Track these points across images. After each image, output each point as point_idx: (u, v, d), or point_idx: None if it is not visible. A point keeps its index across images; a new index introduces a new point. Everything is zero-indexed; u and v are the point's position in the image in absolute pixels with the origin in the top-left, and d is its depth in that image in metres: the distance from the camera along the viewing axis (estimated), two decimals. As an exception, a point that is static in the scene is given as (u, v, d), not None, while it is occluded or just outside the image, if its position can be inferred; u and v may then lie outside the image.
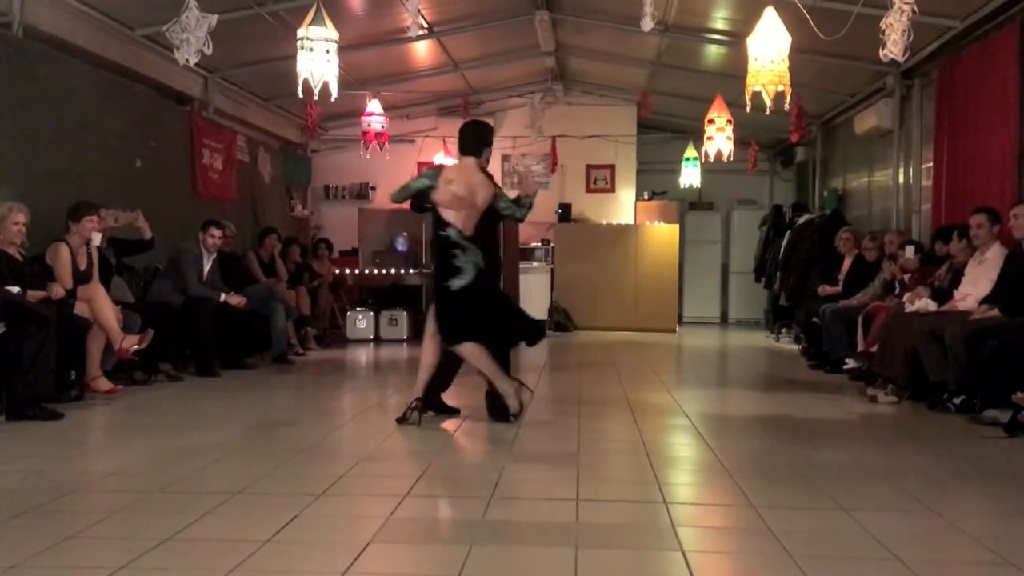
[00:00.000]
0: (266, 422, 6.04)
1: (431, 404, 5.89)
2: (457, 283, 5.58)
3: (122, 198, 8.06)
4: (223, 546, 3.21)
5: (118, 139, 8.57)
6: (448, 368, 5.96)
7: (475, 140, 5.82)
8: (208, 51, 7.05)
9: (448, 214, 5.60)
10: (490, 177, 5.91)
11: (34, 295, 6.12)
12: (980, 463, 4.95)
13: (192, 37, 6.95)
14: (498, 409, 5.81)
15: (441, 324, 5.71)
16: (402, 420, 5.68)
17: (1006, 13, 7.66)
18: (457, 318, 5.66)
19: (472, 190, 5.62)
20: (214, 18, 6.99)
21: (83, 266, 6.81)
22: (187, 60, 7.09)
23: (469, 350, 5.67)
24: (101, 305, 6.64)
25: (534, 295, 13.46)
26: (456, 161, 5.95)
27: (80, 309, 6.61)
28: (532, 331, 6.07)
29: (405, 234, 12.83)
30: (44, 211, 6.86)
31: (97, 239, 7.02)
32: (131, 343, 6.71)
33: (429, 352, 5.81)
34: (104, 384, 6.63)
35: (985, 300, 6.39)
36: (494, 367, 5.70)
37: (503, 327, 5.83)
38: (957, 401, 6.19)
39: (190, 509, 3.62)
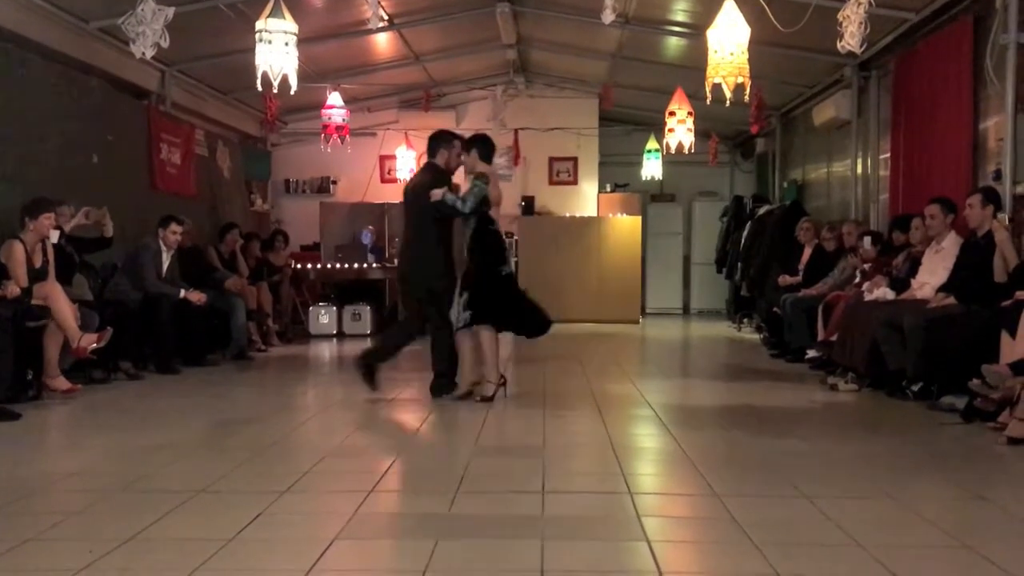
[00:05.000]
0: (228, 419, 5.98)
1: (451, 386, 6.47)
2: (507, 269, 6.40)
3: (78, 194, 7.91)
4: (186, 545, 3.17)
5: (74, 134, 8.42)
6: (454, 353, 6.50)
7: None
8: (165, 44, 6.95)
9: (494, 212, 6.35)
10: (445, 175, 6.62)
11: (-12, 294, 6.01)
12: (938, 449, 5.03)
13: (148, 30, 6.85)
14: (441, 388, 6.44)
15: (482, 306, 6.22)
16: (490, 399, 6.27)
17: (960, 5, 7.77)
18: (500, 301, 6.31)
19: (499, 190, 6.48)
20: (171, 11, 6.89)
21: (39, 264, 6.68)
22: (143, 53, 6.98)
23: (488, 334, 6.27)
24: (58, 303, 6.53)
25: (498, 288, 13.45)
26: (485, 166, 6.50)
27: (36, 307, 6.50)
28: (543, 323, 6.65)
29: (371, 227, 12.75)
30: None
31: (54, 236, 6.91)
32: (89, 341, 6.60)
33: (467, 337, 6.32)
34: (62, 383, 6.53)
35: (942, 288, 6.49)
36: (495, 355, 6.35)
37: (526, 314, 6.51)
38: (915, 388, 6.29)
39: (152, 508, 3.57)
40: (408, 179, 6.96)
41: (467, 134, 6.95)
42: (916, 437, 5.31)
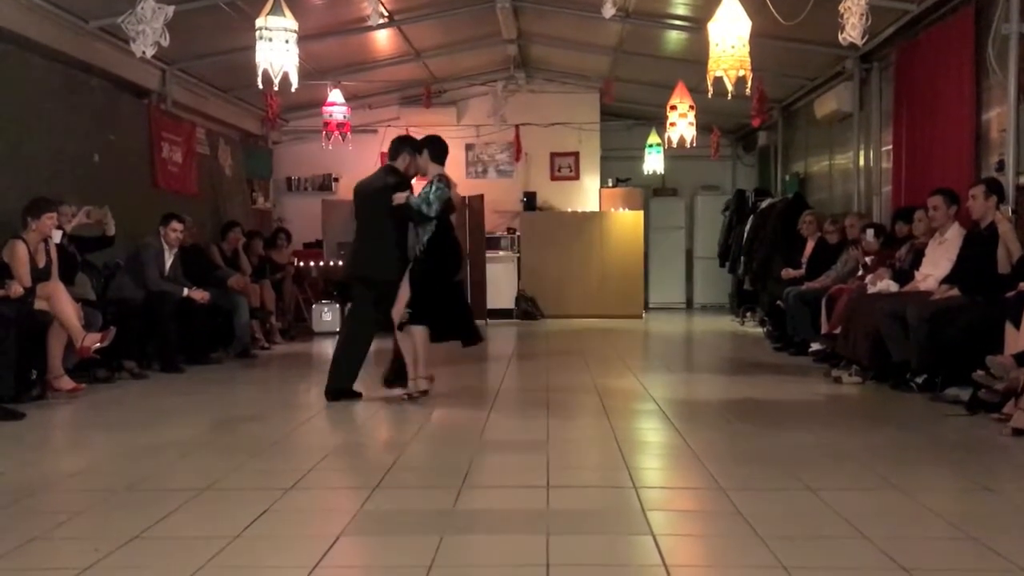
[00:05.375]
0: (232, 417, 5.98)
1: (400, 382, 6.42)
2: (459, 276, 6.44)
3: (80, 193, 7.92)
4: (191, 543, 3.18)
5: (75, 134, 8.42)
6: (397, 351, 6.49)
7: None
8: (165, 43, 6.94)
9: (454, 217, 6.32)
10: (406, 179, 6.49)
11: (-9, 293, 6.02)
12: (942, 440, 5.03)
13: (148, 29, 6.84)
14: (395, 380, 6.44)
15: (426, 310, 6.14)
16: (416, 397, 6.23)
17: (961, -4, 7.76)
18: (449, 307, 6.27)
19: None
20: (170, 9, 6.88)
21: (42, 264, 6.68)
22: (143, 52, 6.98)
23: (421, 331, 6.18)
24: (61, 303, 6.53)
25: (501, 284, 13.48)
26: (440, 169, 6.36)
27: (40, 307, 6.49)
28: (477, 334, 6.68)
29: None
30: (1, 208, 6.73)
31: (57, 236, 6.91)
32: (93, 341, 6.60)
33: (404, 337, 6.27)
34: (66, 383, 6.53)
35: (945, 280, 6.48)
36: (427, 354, 6.29)
37: (470, 322, 6.51)
38: (919, 380, 6.28)
39: (157, 507, 3.58)
40: (362, 179, 6.72)
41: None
42: (920, 429, 5.31)
